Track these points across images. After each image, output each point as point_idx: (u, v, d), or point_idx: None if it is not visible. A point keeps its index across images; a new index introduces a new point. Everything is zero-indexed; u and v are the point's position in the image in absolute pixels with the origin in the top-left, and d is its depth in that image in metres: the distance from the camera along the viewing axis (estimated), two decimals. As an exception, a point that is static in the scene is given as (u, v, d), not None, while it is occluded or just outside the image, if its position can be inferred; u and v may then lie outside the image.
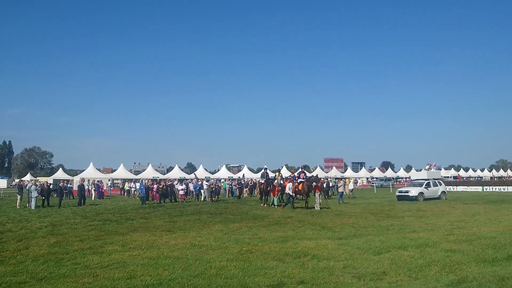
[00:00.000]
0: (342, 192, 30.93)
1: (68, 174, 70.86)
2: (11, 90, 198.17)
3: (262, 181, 28.35)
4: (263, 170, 32.32)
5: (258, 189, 43.13)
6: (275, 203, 26.01)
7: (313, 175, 26.94)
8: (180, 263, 8.64)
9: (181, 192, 32.44)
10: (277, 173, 30.28)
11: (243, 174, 57.68)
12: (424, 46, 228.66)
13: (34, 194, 25.26)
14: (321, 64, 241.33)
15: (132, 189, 40.25)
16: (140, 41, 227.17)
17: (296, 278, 7.28)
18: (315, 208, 23.07)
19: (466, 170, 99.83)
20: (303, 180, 24.98)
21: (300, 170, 27.01)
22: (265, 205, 26.45)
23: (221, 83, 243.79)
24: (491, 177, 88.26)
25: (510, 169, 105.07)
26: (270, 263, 8.61)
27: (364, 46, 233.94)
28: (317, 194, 24.07)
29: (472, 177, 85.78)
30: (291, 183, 24.68)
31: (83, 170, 62.81)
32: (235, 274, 7.66)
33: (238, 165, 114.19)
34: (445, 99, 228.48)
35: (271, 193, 26.61)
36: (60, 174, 63.53)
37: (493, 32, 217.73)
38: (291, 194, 24.10)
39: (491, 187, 50.40)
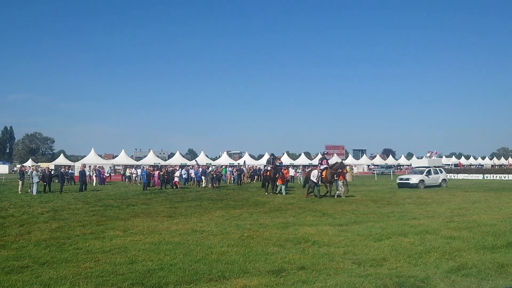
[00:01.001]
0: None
1: (70, 160, 71.01)
2: (13, 75, 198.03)
3: (269, 168, 26.81)
4: (269, 156, 30.63)
5: (247, 175, 42.70)
6: (283, 191, 24.92)
7: (337, 162, 25.18)
8: (181, 249, 8.69)
9: (176, 179, 32.19)
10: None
11: (244, 161, 57.77)
12: (425, 31, 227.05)
13: (36, 179, 25.33)
14: (323, 51, 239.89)
15: (133, 175, 40.36)
16: (140, 26, 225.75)
17: (297, 264, 7.32)
18: (339, 196, 22.23)
19: (467, 158, 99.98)
20: (326, 166, 23.68)
21: (322, 156, 25.58)
22: (271, 193, 25.20)
23: (222, 70, 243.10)
24: (492, 165, 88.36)
25: (511, 157, 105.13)
26: (271, 249, 8.65)
27: (364, 33, 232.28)
28: (340, 182, 22.88)
29: (473, 165, 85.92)
30: (316, 170, 23.19)
31: (84, 156, 62.96)
32: (236, 259, 7.70)
33: (239, 151, 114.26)
34: (447, 87, 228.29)
35: (279, 181, 25.38)
36: (61, 160, 63.65)
37: (495, 17, 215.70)
38: (315, 181, 22.55)
39: (492, 175, 50.39)
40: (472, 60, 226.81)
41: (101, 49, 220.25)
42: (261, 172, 29.56)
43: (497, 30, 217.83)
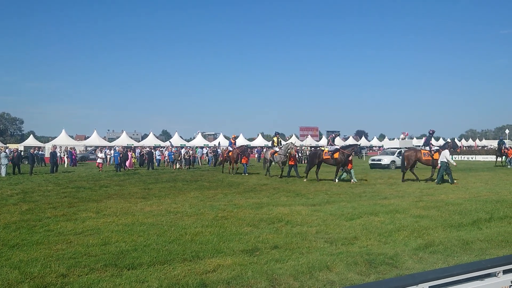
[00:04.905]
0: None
1: (40, 141, 69.28)
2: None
3: (333, 148, 21.09)
4: (332, 135, 24.71)
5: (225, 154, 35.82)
6: (354, 177, 20.36)
7: (449, 140, 19.91)
8: (155, 229, 8.66)
9: (98, 160, 30.42)
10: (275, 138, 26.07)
11: (219, 142, 57.58)
12: (395, 16, 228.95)
13: (4, 161, 24.65)
14: (297, 33, 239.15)
15: (108, 156, 39.69)
16: (110, 1, 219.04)
17: (270, 243, 7.41)
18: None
19: (437, 139, 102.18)
20: (438, 148, 20.00)
21: (429, 134, 21.84)
22: (336, 180, 20.09)
23: (196, 50, 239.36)
24: (460, 146, 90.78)
25: (478, 138, 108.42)
26: (245, 229, 8.72)
27: (339, 15, 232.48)
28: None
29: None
30: (446, 150, 18.79)
31: (55, 137, 61.50)
32: (210, 239, 7.74)
33: (213, 133, 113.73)
34: (418, 70, 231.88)
35: (350, 165, 20.46)
36: (31, 141, 61.97)
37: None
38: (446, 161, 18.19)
39: (460, 156, 51.83)
40: (441, 44, 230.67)
41: (70, 26, 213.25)
42: (308, 153, 22.30)
43: (466, 14, 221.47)
